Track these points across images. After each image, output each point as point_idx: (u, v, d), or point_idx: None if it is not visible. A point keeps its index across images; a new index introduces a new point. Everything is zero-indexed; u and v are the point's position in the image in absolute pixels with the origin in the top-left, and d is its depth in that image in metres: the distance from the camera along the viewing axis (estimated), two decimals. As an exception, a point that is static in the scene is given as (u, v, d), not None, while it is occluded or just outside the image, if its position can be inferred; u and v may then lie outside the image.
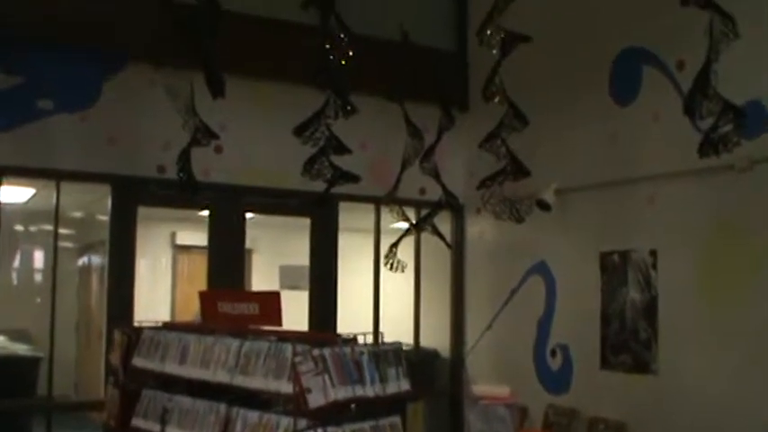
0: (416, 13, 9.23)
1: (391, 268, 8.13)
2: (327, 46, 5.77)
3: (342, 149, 6.11)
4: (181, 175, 6.73)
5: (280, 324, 4.92)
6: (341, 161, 6.50)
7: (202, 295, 5.75)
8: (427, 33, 9.09)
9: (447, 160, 8.64)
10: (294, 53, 8.39)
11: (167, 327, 5.81)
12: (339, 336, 4.77)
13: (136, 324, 6.41)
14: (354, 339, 4.56)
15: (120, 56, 7.77)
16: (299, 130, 5.91)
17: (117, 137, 7.73)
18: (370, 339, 4.56)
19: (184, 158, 6.70)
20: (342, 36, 5.74)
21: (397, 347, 4.56)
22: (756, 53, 6.12)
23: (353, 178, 6.48)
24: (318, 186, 6.74)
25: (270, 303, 5.01)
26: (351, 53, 5.73)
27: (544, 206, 8.03)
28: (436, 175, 8.04)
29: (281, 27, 8.47)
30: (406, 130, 7.79)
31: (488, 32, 6.29)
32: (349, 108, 5.82)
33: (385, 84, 8.23)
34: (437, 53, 9.38)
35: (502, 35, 6.27)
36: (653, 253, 7.19)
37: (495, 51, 6.40)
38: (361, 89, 8.40)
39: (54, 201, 7.67)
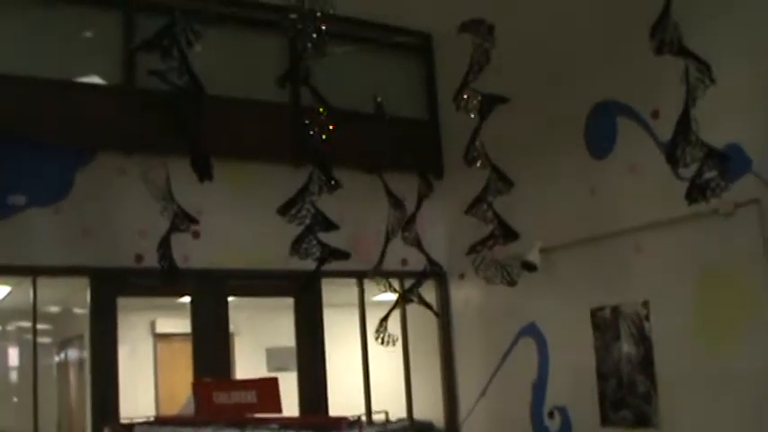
0: (386, 84, 9.26)
1: (382, 343, 7.97)
2: (307, 121, 5.70)
3: (329, 226, 6.00)
4: (162, 263, 6.59)
5: (279, 411, 4.76)
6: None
7: (196, 386, 5.58)
8: (398, 103, 9.11)
9: (427, 228, 8.54)
10: (270, 132, 8.48)
11: (160, 421, 5.62)
12: (344, 419, 4.60)
13: (125, 420, 6.19)
14: (359, 421, 4.41)
15: (91, 146, 7.69)
16: (285, 209, 5.80)
17: (92, 228, 7.60)
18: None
19: (165, 246, 6.57)
20: (320, 110, 5.68)
21: (405, 426, 4.42)
22: (731, 96, 6.14)
23: (344, 255, 6.36)
24: (300, 265, 6.60)
25: (267, 390, 4.85)
26: (332, 127, 5.66)
27: (530, 267, 7.95)
28: (419, 244, 7.95)
29: (255, 106, 8.49)
30: (388, 201, 7.72)
31: (465, 97, 6.27)
32: (333, 182, 5.74)
33: (360, 156, 8.22)
34: (410, 122, 9.41)
35: (479, 98, 6.25)
36: (645, 304, 7.11)
37: (472, 115, 6.37)
38: (337, 163, 8.45)
39: (30, 297, 7.49)
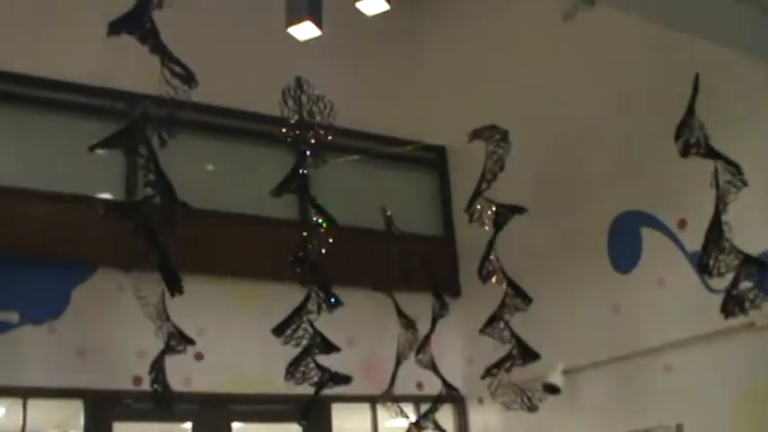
0: (399, 199, 8.98)
1: (399, 474, 7.41)
2: (305, 233, 5.34)
3: (329, 348, 5.54)
4: (155, 386, 6.13)
5: None
6: (329, 360, 5.85)
7: None
8: (411, 218, 8.80)
9: (443, 350, 8.07)
10: (277, 249, 8.11)
11: None
12: None
13: None
14: None
15: (90, 261, 7.39)
16: (280, 330, 5.32)
17: (88, 348, 7.19)
18: None
19: (158, 368, 6.11)
20: (320, 222, 5.32)
21: None
22: (764, 199, 5.78)
23: (344, 380, 5.84)
24: (310, 389, 6.14)
25: None
26: (331, 240, 5.28)
27: (552, 389, 7.42)
28: (433, 368, 7.46)
29: (262, 223, 8.22)
30: (399, 322, 7.28)
31: (478, 207, 5.92)
32: (333, 301, 5.31)
33: (371, 274, 7.86)
34: (424, 239, 9.08)
35: (493, 209, 5.90)
36: (679, 428, 6.56)
37: (487, 227, 6.02)
38: (346, 281, 8.08)
39: (21, 420, 7.03)
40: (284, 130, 4.96)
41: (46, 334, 7.07)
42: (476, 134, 5.95)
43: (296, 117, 4.94)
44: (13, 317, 6.95)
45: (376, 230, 7.99)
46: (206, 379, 7.61)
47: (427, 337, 7.35)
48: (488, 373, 6.46)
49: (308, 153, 4.99)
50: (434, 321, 7.42)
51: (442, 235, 9.39)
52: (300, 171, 4.95)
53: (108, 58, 6.96)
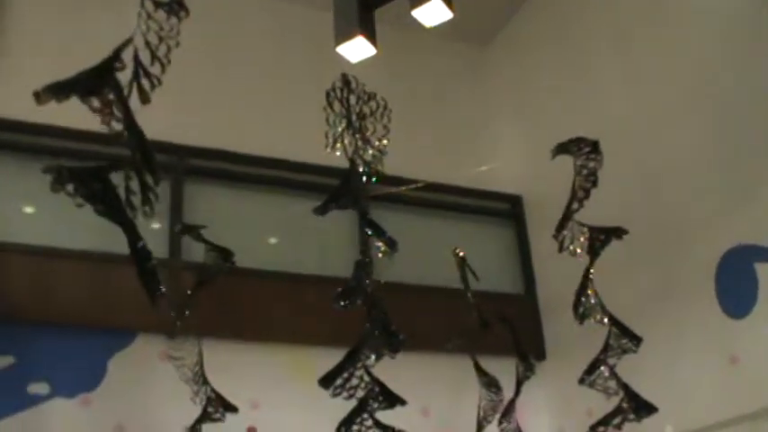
0: (474, 255, 8.06)
1: None
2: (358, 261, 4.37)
3: (392, 400, 4.47)
4: (189, 460, 5.26)
5: None
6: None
7: None
8: (489, 277, 7.88)
9: (529, 418, 7.08)
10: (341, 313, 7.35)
11: None
12: None
13: None
14: None
15: (129, 328, 6.66)
16: (328, 380, 4.37)
17: (126, 424, 6.36)
18: None
19: (195, 439, 5.26)
20: (378, 246, 4.37)
21: None
22: None
23: None
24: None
25: None
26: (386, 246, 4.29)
27: (661, 460, 6.34)
28: (520, 437, 6.47)
29: (326, 283, 7.45)
30: (479, 381, 6.28)
31: (565, 233, 4.95)
32: (396, 339, 4.30)
33: (447, 336, 6.98)
34: (502, 297, 8.13)
35: (586, 233, 4.95)
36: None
37: (580, 258, 5.04)
38: (418, 346, 7.27)
39: None
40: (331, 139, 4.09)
41: (79, 407, 6.28)
42: (561, 148, 5.05)
43: (344, 122, 4.12)
44: (44, 388, 6.19)
45: (449, 288, 7.13)
46: (261, 456, 6.75)
47: (512, 402, 6.35)
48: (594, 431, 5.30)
49: (361, 169, 4.11)
50: (519, 384, 6.39)
51: (522, 292, 8.45)
52: (352, 184, 4.04)
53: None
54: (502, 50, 9.46)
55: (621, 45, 7.80)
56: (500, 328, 6.80)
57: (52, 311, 6.41)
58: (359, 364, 4.14)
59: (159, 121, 6.75)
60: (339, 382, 4.14)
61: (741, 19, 6.52)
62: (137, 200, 2.52)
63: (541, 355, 7.98)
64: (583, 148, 4.97)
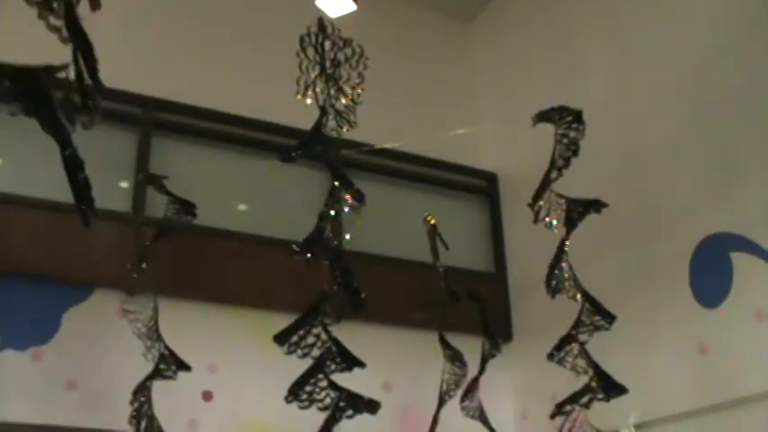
0: (445, 231, 7.89)
1: None
2: (325, 206, 4.12)
3: (350, 362, 4.00)
4: (135, 421, 5.05)
5: None
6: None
7: None
8: (458, 253, 7.70)
9: (491, 399, 6.90)
10: (308, 280, 7.13)
11: None
12: None
13: None
14: None
15: (86, 284, 6.45)
16: (283, 336, 3.95)
17: (79, 380, 6.16)
18: None
19: (141, 397, 5.05)
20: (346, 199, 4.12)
21: None
22: None
23: (370, 406, 4.40)
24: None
25: None
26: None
27: (623, 448, 6.22)
28: (482, 417, 6.24)
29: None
30: (443, 354, 6.08)
31: (541, 204, 4.78)
32: (360, 297, 4.06)
33: (413, 310, 6.80)
34: (471, 274, 7.95)
35: (564, 205, 4.77)
36: (789, 498, 5.31)
37: (555, 229, 4.89)
38: (382, 319, 7.12)
39: (-5, 463, 6.02)
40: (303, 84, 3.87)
41: (29, 361, 6.07)
42: (542, 116, 4.89)
43: (317, 68, 3.91)
44: (-8, 338, 6.00)
45: (417, 262, 7.00)
46: (215, 423, 6.54)
47: (476, 380, 6.17)
48: (560, 410, 5.05)
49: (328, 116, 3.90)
50: (484, 362, 6.20)
51: (492, 271, 8.29)
52: (320, 130, 3.83)
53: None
54: (485, 28, 9.27)
55: (607, 29, 7.62)
56: (467, 306, 6.64)
57: (6, 260, 6.14)
58: (316, 322, 3.94)
59: (129, 70, 6.67)
60: (294, 339, 3.93)
61: (735, 7, 6.38)
62: (74, 108, 2.29)
63: (508, 337, 7.81)
64: (565, 117, 4.81)
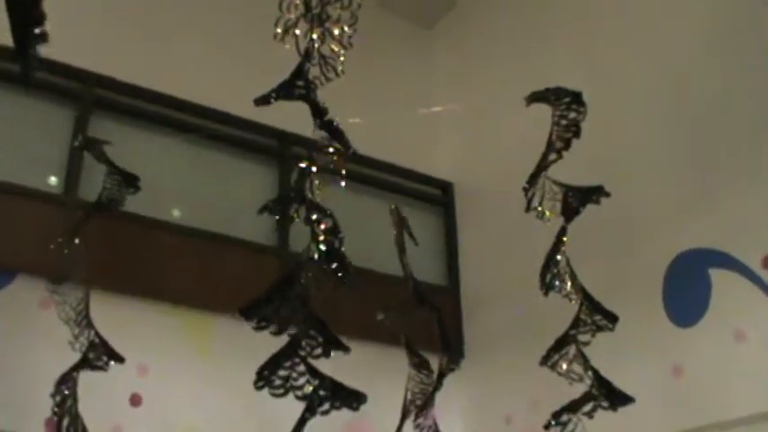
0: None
1: None
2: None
3: (331, 343, 3.27)
4: (57, 416, 4.45)
5: None
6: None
7: None
8: (415, 265, 7.31)
9: (441, 418, 6.44)
10: (251, 278, 6.61)
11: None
12: None
13: None
14: None
15: (7, 270, 5.84)
16: (252, 310, 3.36)
17: (-3, 374, 5.53)
18: None
19: (66, 390, 4.46)
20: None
21: None
22: None
23: (353, 398, 3.59)
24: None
25: None
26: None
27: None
28: (438, 436, 5.79)
29: (237, 245, 6.77)
30: (409, 361, 5.58)
31: (534, 192, 4.36)
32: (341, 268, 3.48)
33: (367, 322, 6.33)
34: (427, 287, 7.48)
35: (559, 193, 4.36)
36: None
37: (547, 220, 4.48)
38: (345, 332, 6.63)
39: None
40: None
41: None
42: (535, 96, 4.50)
43: (300, 7, 3.42)
44: None
45: (373, 272, 6.65)
46: (142, 430, 5.94)
47: (431, 396, 5.68)
48: (557, 420, 4.39)
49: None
50: (441, 377, 5.74)
51: (444, 283, 7.86)
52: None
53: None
54: (447, 34, 8.98)
55: (574, 37, 7.38)
56: (420, 318, 6.20)
57: None
58: (293, 292, 3.33)
59: (71, 42, 6.11)
60: (267, 311, 3.31)
61: (717, 8, 6.16)
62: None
63: (460, 354, 7.38)
64: (562, 98, 4.44)
